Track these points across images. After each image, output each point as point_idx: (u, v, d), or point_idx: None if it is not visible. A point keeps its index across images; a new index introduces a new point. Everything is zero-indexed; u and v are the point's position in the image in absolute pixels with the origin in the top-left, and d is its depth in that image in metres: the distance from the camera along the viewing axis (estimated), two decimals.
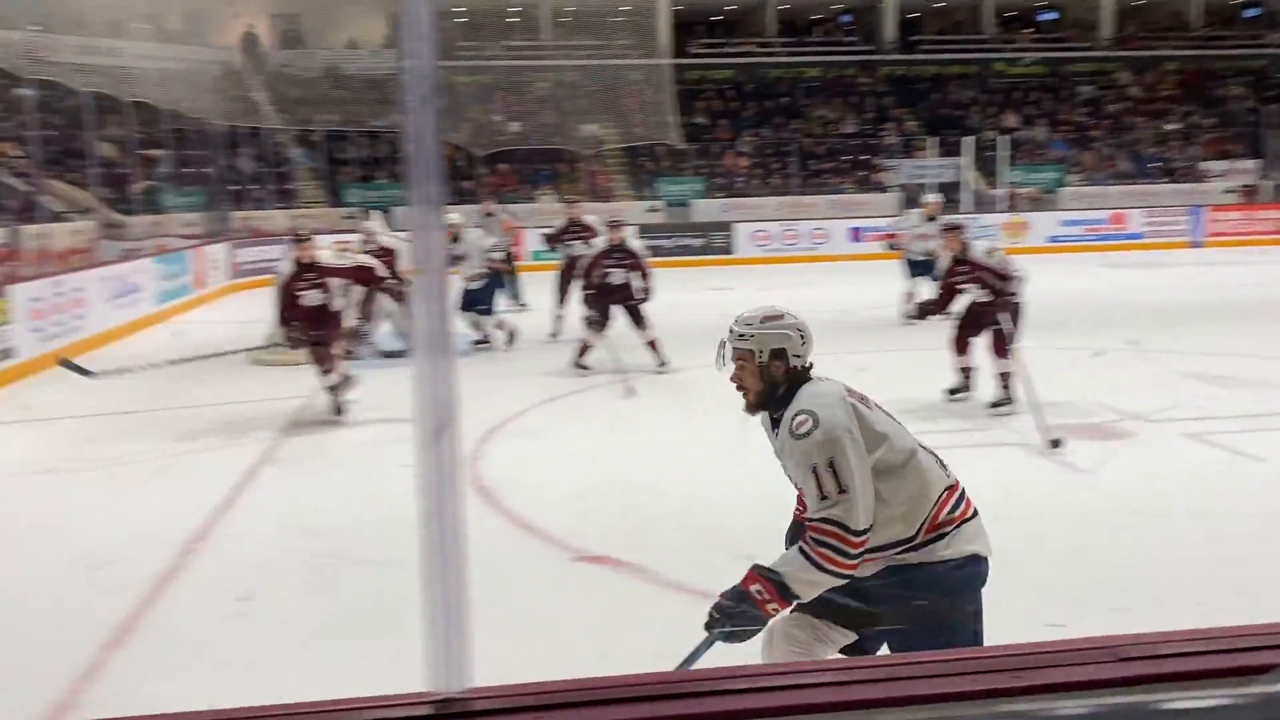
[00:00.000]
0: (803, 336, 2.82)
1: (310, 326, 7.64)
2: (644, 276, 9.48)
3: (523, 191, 23.81)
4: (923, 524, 2.62)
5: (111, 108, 17.79)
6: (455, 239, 10.65)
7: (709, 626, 2.70)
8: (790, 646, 2.75)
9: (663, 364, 9.33)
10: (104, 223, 16.22)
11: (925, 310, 7.95)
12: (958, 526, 2.65)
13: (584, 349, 9.40)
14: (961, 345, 7.73)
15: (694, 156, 25.33)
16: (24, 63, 15.39)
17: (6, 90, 16.29)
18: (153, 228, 17.35)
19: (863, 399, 2.76)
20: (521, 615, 3.88)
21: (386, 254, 10.48)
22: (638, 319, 9.45)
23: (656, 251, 20.38)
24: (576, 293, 11.24)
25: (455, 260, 10.54)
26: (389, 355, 10.25)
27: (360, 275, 8.24)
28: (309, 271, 7.69)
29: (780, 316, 2.85)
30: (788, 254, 20.66)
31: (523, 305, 13.70)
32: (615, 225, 9.75)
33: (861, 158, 26.10)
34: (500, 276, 11.60)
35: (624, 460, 6.39)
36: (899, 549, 2.63)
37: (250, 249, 18.65)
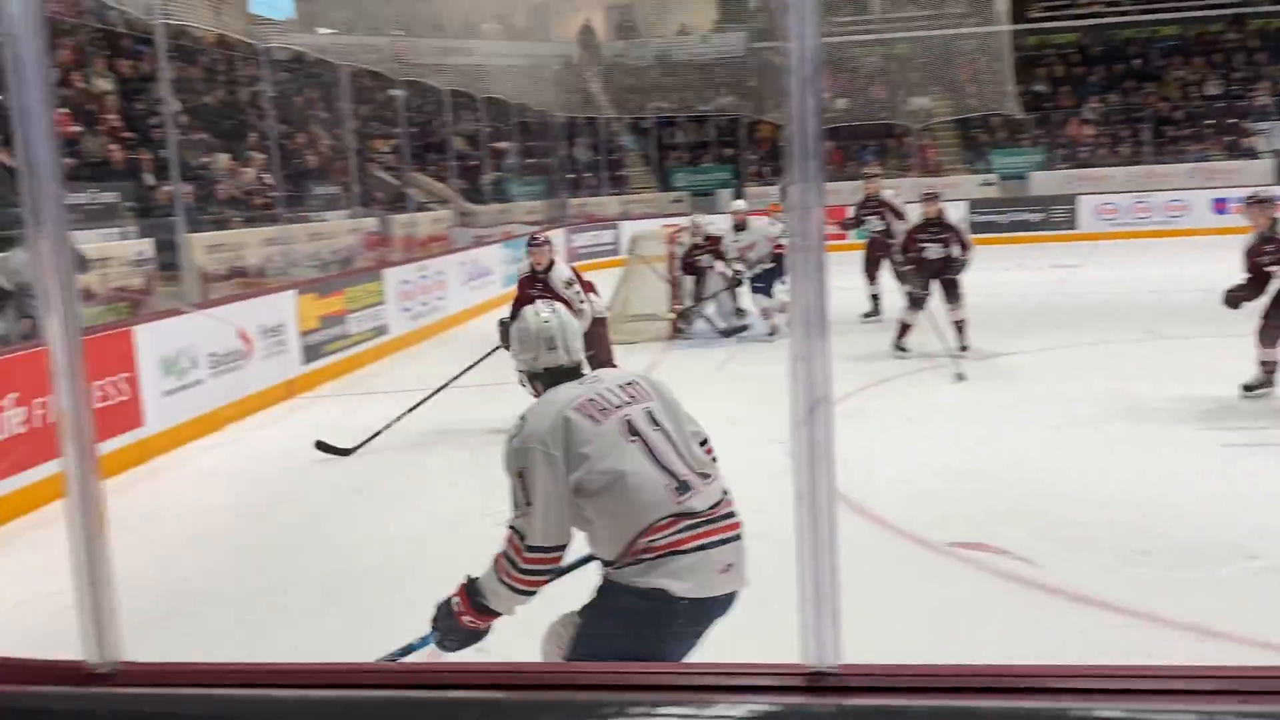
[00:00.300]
0: (554, 340, 2.88)
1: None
2: (964, 249, 9.06)
3: (849, 169, 23.49)
4: (625, 547, 2.51)
5: (466, 104, 19.29)
6: (741, 227, 10.68)
7: (432, 626, 2.70)
8: (549, 644, 2.67)
9: (964, 347, 8.91)
10: (459, 211, 17.63)
11: (1234, 298, 6.95)
12: (661, 556, 2.49)
13: (903, 330, 9.17)
14: (1270, 336, 6.75)
15: (1032, 126, 23.92)
16: (392, 65, 17.01)
17: (376, 92, 18.05)
18: (499, 215, 18.68)
19: (601, 411, 2.64)
20: (866, 598, 3.85)
21: (713, 241, 10.74)
22: (952, 294, 9.05)
23: (990, 228, 19.69)
24: (884, 271, 10.97)
25: (744, 250, 10.54)
26: (725, 333, 10.53)
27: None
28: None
29: (535, 320, 2.93)
30: (1138, 228, 19.08)
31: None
32: (930, 198, 9.38)
33: (1228, 122, 23.59)
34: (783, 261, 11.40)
35: (953, 446, 6.17)
36: (605, 566, 2.58)
37: (584, 234, 19.68)
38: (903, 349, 9.09)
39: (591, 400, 2.69)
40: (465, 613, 2.64)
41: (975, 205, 20.50)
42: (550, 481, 2.53)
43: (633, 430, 2.65)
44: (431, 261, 12.67)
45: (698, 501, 2.63)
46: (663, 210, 21.43)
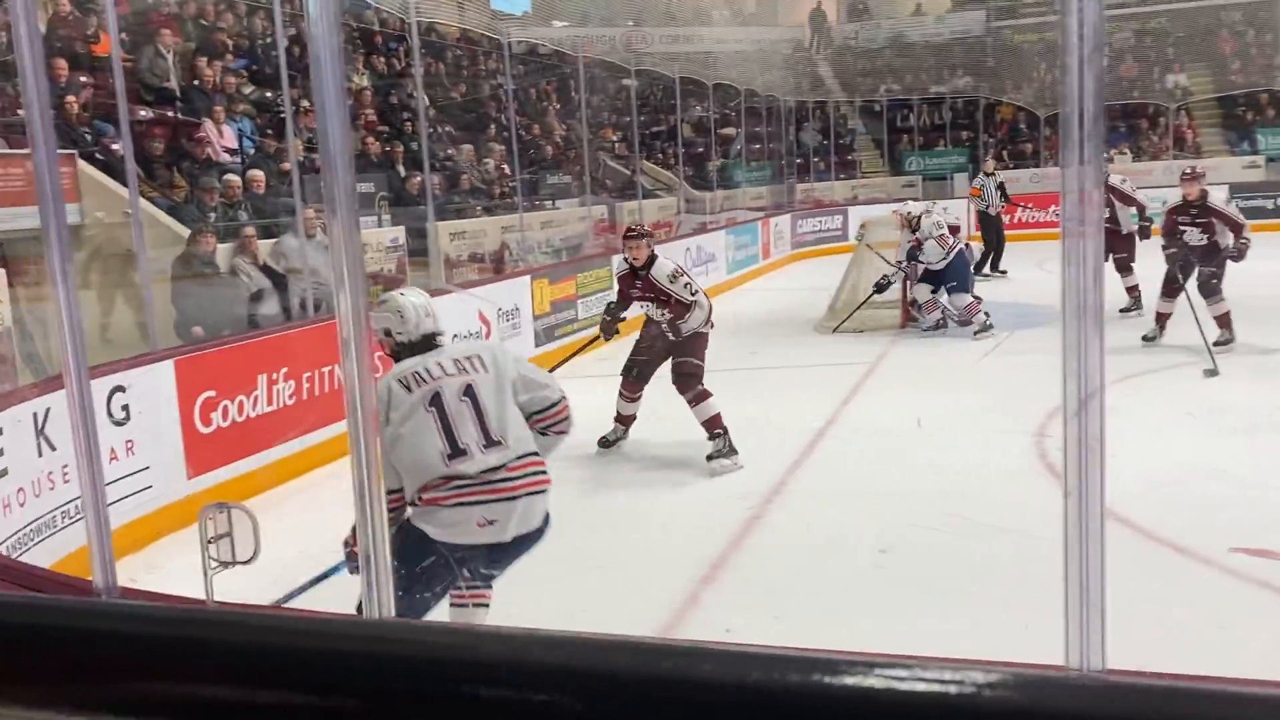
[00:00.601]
0: (403, 317, 3.43)
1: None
2: (1236, 233, 8.33)
3: None
4: (413, 494, 3.23)
5: (695, 91, 19.44)
6: (914, 229, 10.10)
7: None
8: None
9: (1225, 341, 8.26)
10: (685, 198, 17.80)
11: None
12: (428, 507, 3.21)
13: (1159, 318, 8.60)
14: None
15: None
16: (624, 55, 17.34)
17: (608, 82, 18.47)
18: (725, 201, 18.73)
19: (419, 382, 3.26)
20: (1125, 603, 3.66)
21: (952, 230, 10.38)
22: (1207, 285, 8.35)
23: (1256, 213, 18.06)
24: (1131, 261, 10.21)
25: (913, 250, 10.04)
26: (963, 322, 10.17)
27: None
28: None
29: (385, 302, 3.49)
30: None
31: (1001, 273, 13.99)
32: (1190, 179, 8.68)
33: None
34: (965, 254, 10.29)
35: (1213, 446, 5.74)
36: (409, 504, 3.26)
37: (810, 219, 19.46)
38: (1150, 338, 8.55)
39: (416, 373, 3.33)
40: (352, 540, 3.20)
41: (1237, 189, 18.87)
42: (384, 434, 3.18)
43: (433, 402, 3.27)
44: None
45: (469, 466, 3.23)
46: (893, 195, 20.91)
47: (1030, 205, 17.85)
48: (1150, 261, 9.27)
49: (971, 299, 9.91)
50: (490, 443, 3.28)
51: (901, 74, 24.71)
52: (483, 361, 3.41)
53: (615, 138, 17.86)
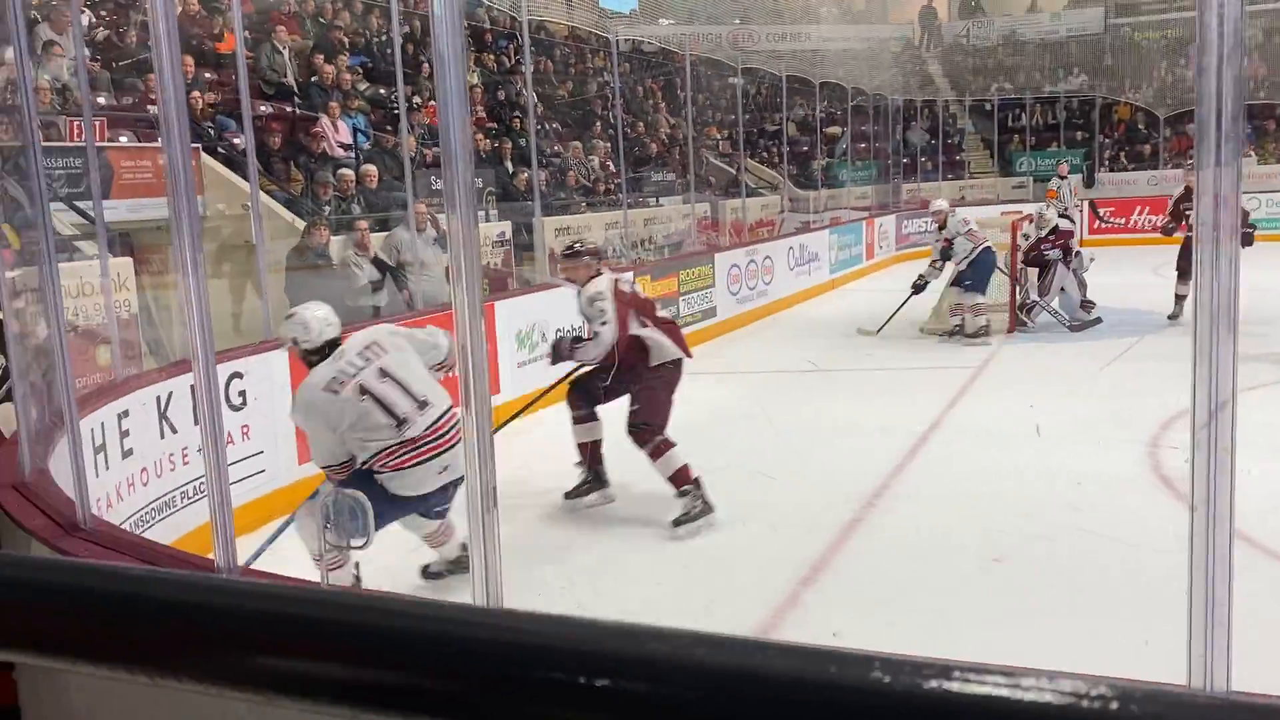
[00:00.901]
0: (306, 328, 4.03)
1: None
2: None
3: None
4: (379, 461, 3.96)
5: (801, 90, 19.28)
6: (941, 226, 9.98)
7: None
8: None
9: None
10: (788, 197, 17.67)
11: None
12: (395, 472, 3.96)
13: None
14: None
15: None
16: (730, 53, 17.29)
17: (714, 79, 18.42)
18: (829, 201, 18.53)
19: (340, 384, 3.92)
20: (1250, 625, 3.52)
21: (1062, 235, 10.13)
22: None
23: None
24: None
25: (945, 249, 9.89)
26: (1075, 327, 9.91)
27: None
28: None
29: (291, 316, 4.11)
30: None
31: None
32: None
33: None
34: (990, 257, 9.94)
35: None
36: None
37: (916, 220, 19.12)
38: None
39: (334, 377, 3.94)
40: None
41: None
42: (319, 425, 3.97)
43: (364, 391, 3.92)
44: (760, 246, 12.80)
45: (414, 430, 3.96)
46: (1002, 196, 20.43)
47: (1113, 210, 17.50)
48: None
49: (982, 299, 9.72)
50: (420, 405, 4.00)
51: (1014, 72, 24.11)
52: (381, 346, 4.07)
53: (720, 136, 17.82)
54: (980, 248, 9.72)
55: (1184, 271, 9.31)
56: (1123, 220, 18.20)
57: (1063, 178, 15.46)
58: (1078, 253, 10.27)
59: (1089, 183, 20.85)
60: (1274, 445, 5.73)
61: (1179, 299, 9.65)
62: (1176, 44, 22.34)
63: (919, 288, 10.14)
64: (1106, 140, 22.45)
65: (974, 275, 9.70)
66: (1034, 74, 23.74)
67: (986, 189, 21.85)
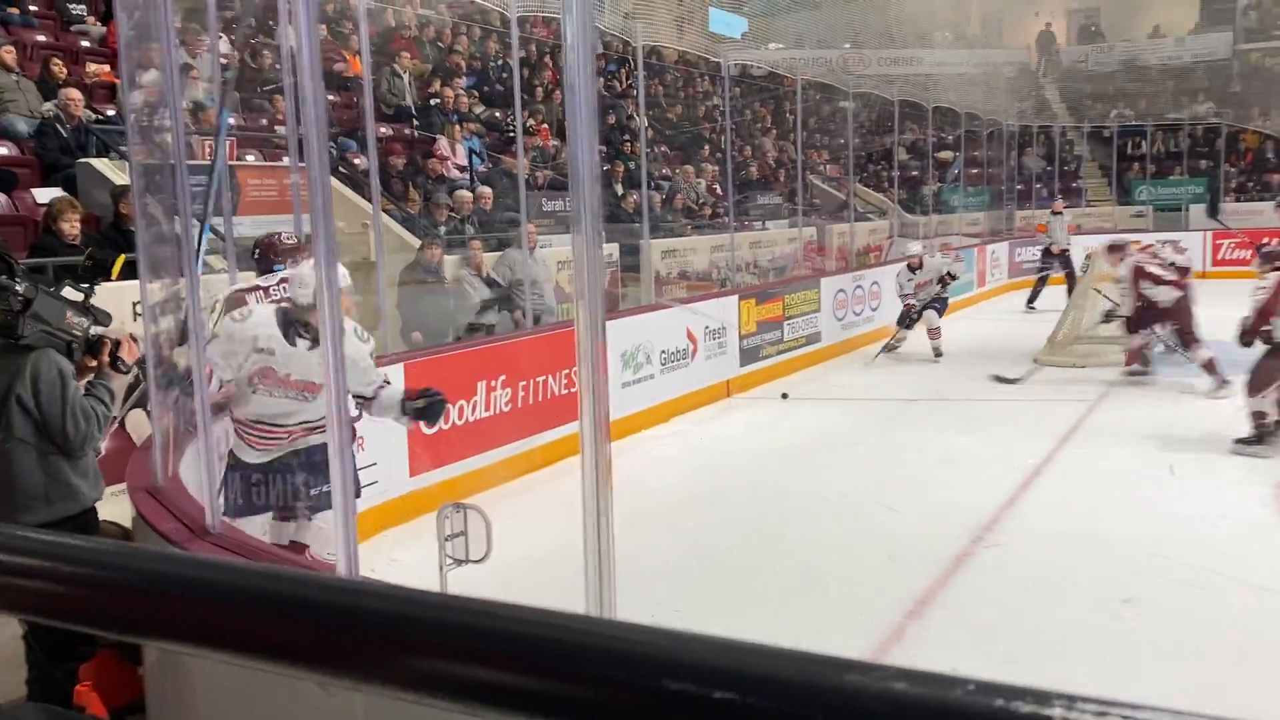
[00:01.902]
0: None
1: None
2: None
3: None
4: None
5: (912, 114, 19.06)
6: (917, 268, 11.07)
7: None
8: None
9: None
10: (898, 222, 17.47)
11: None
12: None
13: None
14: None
15: None
16: (841, 77, 17.20)
17: (824, 103, 18.35)
18: (939, 226, 18.25)
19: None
20: None
21: (1183, 272, 9.78)
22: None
23: None
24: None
25: (920, 287, 10.97)
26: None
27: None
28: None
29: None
30: None
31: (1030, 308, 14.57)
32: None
33: None
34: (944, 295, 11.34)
35: None
36: None
37: (1030, 248, 18.68)
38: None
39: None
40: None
41: None
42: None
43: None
44: (868, 272, 12.68)
45: None
46: (1120, 225, 19.84)
47: (1238, 242, 16.99)
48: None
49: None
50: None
51: (1135, 98, 23.42)
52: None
53: (828, 160, 17.74)
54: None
55: None
56: (1248, 253, 17.53)
57: (1056, 213, 15.56)
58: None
59: (1212, 212, 20.09)
60: None
61: None
62: None
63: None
64: (1232, 169, 21.64)
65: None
66: (1156, 100, 23.03)
67: (1104, 217, 21.25)
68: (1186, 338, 8.82)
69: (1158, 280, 8.89)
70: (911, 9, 21.34)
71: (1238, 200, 20.67)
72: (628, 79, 13.37)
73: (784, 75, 16.47)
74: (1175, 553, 4.75)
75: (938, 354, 10.83)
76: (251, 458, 3.85)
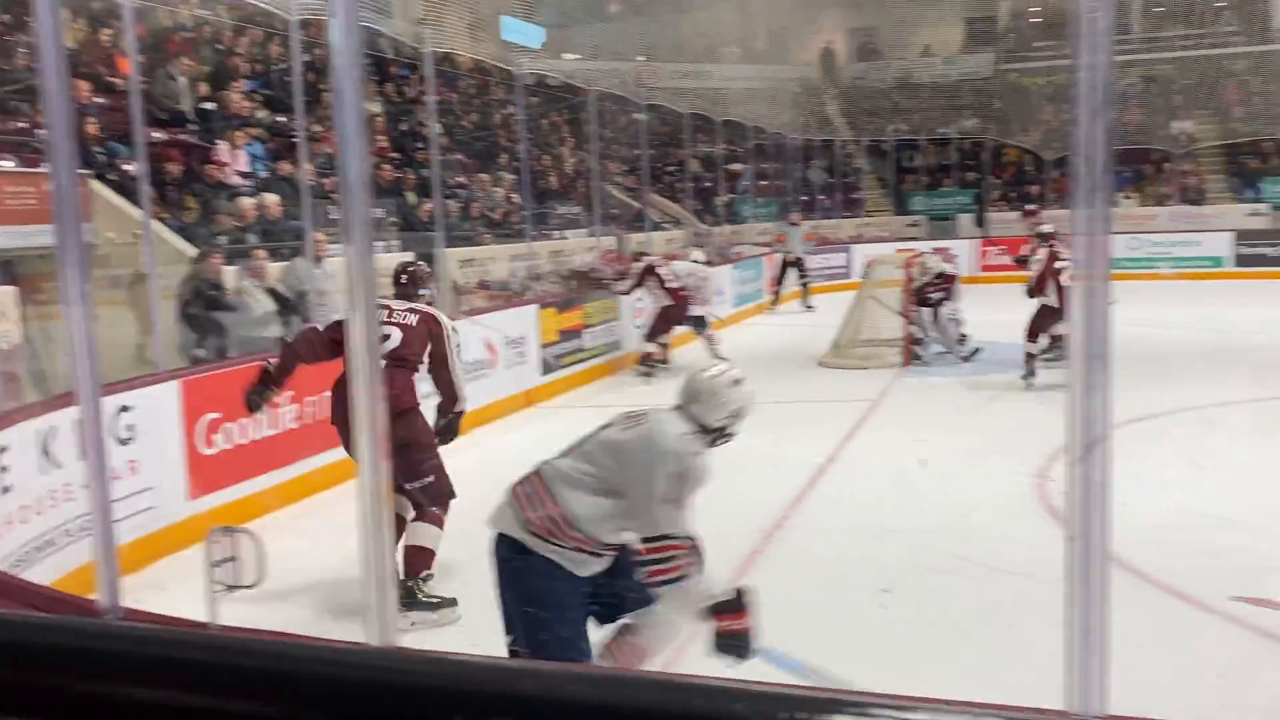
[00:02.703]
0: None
1: None
2: None
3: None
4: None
5: (703, 127, 19.57)
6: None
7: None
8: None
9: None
10: (692, 232, 17.89)
11: None
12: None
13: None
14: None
15: None
16: (634, 89, 17.48)
17: (619, 114, 18.61)
18: (732, 236, 18.81)
19: None
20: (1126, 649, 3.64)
21: (945, 279, 10.52)
22: None
23: (1259, 260, 18.18)
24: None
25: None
26: (967, 358, 10.25)
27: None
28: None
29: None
30: None
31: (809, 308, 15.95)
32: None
33: None
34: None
35: (1209, 495, 5.73)
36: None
37: (815, 256, 19.51)
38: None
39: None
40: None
41: (1242, 237, 19.01)
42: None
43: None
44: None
45: None
46: (897, 234, 21.00)
47: (1003, 249, 18.45)
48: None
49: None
50: None
51: (909, 114, 24.89)
52: None
53: (624, 170, 17.98)
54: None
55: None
56: (1012, 259, 18.89)
57: (793, 225, 16.70)
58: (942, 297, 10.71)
59: (979, 222, 21.59)
60: (1150, 477, 5.99)
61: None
62: (1061, 90, 23.34)
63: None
64: (996, 181, 23.30)
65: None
66: (928, 116, 24.54)
67: (882, 227, 22.45)
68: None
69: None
70: (701, 24, 21.95)
71: (1002, 210, 22.28)
72: (419, 86, 13.15)
73: (580, 86, 16.59)
74: (940, 542, 5.04)
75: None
76: None
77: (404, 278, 5.08)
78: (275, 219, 8.59)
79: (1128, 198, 21.81)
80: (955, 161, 23.69)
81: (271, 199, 8.60)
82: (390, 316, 4.75)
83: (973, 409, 8.33)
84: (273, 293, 7.40)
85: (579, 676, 0.86)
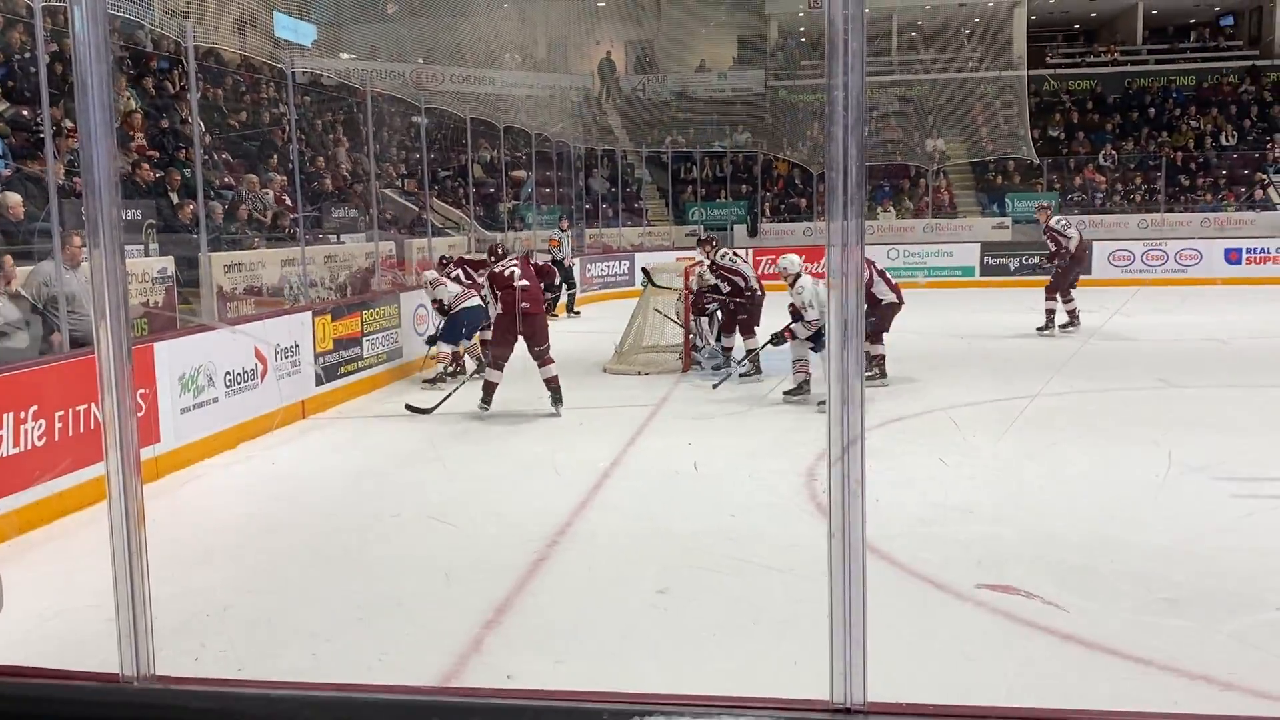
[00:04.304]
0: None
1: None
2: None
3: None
4: None
5: (485, 133, 19.44)
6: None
7: None
8: None
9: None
10: (475, 238, 17.72)
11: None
12: None
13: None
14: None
15: (1047, 171, 24.05)
16: (414, 92, 17.17)
17: (397, 117, 18.23)
18: (516, 243, 18.76)
19: None
20: (886, 638, 3.85)
21: (715, 290, 10.92)
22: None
23: (1001, 270, 19.76)
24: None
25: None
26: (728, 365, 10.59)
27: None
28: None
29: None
30: (1151, 276, 19.15)
31: (575, 313, 16.73)
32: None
33: (1241, 173, 23.70)
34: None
35: (970, 489, 6.17)
36: None
37: (599, 264, 19.76)
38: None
39: None
40: None
41: (988, 248, 20.58)
42: None
43: None
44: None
45: None
46: (677, 243, 21.54)
47: (774, 259, 19.46)
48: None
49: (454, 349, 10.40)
50: None
51: (686, 127, 25.61)
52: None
53: (404, 174, 17.61)
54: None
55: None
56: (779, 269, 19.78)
57: (564, 230, 17.51)
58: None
59: (752, 232, 22.47)
60: (905, 475, 6.39)
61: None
62: (827, 107, 24.61)
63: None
64: (767, 193, 24.30)
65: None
66: (704, 129, 25.32)
67: (663, 236, 22.97)
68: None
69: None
70: (482, 29, 21.80)
71: (773, 221, 23.27)
72: (181, 81, 12.44)
73: (356, 86, 16.14)
74: (715, 543, 5.20)
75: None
76: None
77: (499, 250, 9.13)
78: (18, 220, 7.90)
79: (886, 211, 23.22)
80: (730, 174, 24.56)
81: (14, 198, 7.90)
82: (508, 265, 8.67)
83: (748, 413, 8.64)
84: (16, 298, 6.81)
85: (314, 701, 0.83)
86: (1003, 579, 4.57)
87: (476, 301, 10.12)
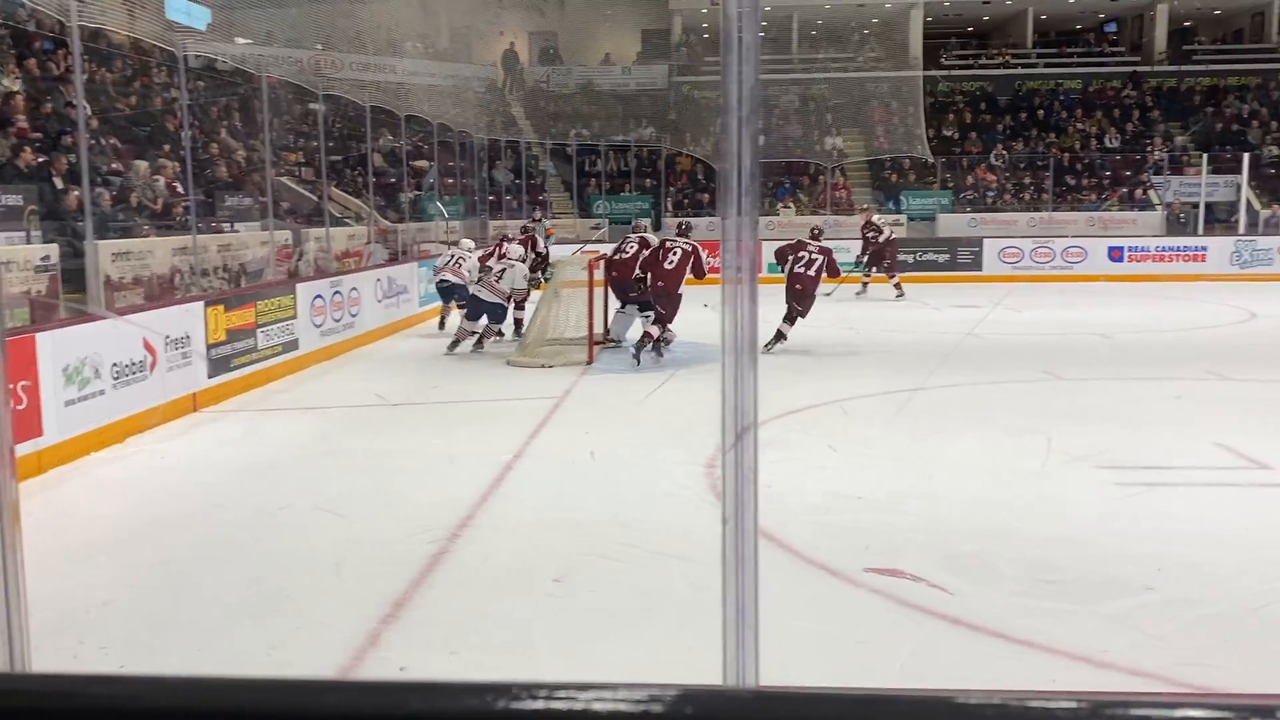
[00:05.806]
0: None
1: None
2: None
3: (762, 205, 23.88)
4: None
5: (386, 121, 19.14)
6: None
7: None
8: None
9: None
10: (376, 228, 17.44)
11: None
12: None
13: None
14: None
15: (941, 170, 24.68)
16: (311, 79, 16.80)
17: (295, 104, 17.83)
18: (418, 234, 18.52)
19: None
20: (779, 623, 3.92)
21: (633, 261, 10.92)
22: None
23: (900, 266, 20.20)
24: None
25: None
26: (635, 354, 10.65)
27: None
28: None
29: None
30: (1039, 273, 19.82)
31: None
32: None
33: (1124, 174, 24.67)
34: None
35: (862, 478, 6.31)
36: None
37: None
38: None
39: None
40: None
41: None
42: None
43: None
44: (345, 277, 12.50)
45: None
46: (582, 236, 21.52)
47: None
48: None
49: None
50: None
51: (590, 120, 25.57)
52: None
53: (302, 161, 17.24)
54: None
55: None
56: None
57: (537, 221, 17.92)
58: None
59: (657, 226, 22.55)
60: (799, 465, 6.51)
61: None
62: (721, 99, 24.85)
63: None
64: (672, 187, 24.43)
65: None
66: (608, 123, 25.33)
67: (567, 229, 22.92)
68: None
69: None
70: (382, 16, 21.42)
71: (677, 215, 23.38)
72: (66, 62, 11.97)
73: (251, 72, 15.72)
74: (614, 532, 5.24)
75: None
76: None
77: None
78: None
79: (786, 207, 23.56)
80: (634, 168, 24.62)
81: None
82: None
83: (651, 403, 8.69)
84: None
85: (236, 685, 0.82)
86: (894, 565, 4.69)
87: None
